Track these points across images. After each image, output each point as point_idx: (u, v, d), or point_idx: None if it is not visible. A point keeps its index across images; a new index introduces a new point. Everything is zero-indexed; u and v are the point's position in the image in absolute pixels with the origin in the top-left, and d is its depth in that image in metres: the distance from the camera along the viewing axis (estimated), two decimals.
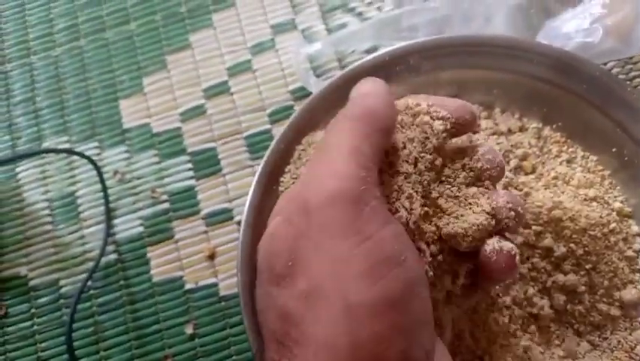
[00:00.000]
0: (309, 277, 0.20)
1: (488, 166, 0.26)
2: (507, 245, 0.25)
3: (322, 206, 0.21)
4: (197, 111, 0.42)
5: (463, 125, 0.26)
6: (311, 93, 0.39)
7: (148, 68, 0.43)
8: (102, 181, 0.39)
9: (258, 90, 0.42)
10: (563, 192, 0.34)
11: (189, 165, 0.40)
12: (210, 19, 0.44)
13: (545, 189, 0.34)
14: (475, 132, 0.28)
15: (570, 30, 0.37)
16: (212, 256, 0.38)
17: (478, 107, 0.37)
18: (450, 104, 0.27)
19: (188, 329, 0.37)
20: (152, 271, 0.38)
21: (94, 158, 0.40)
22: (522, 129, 0.37)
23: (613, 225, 0.33)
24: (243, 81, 0.42)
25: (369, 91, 0.24)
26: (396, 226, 0.22)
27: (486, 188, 0.26)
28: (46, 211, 0.40)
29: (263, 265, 0.23)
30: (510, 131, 0.36)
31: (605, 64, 0.39)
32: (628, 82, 0.40)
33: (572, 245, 0.32)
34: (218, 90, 0.42)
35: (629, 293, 0.32)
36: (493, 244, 0.25)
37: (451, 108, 0.26)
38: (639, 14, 0.38)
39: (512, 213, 0.25)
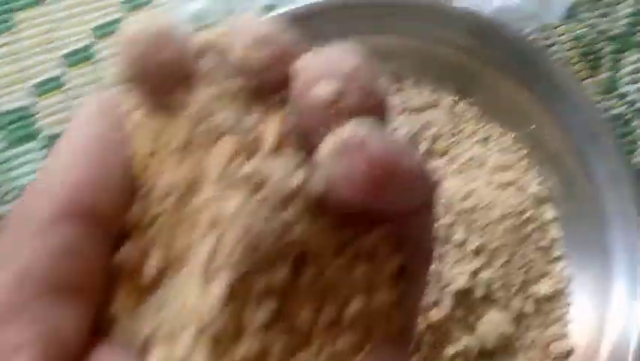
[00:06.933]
0: None
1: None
2: (345, 132, 0.11)
3: None
4: (54, 84, 0.34)
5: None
6: None
7: None
8: None
9: None
10: (476, 178, 0.31)
11: (44, 153, 0.33)
12: None
13: (459, 173, 0.31)
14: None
15: None
16: None
17: (389, 78, 0.33)
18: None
19: None
20: None
21: None
22: (435, 105, 0.33)
23: (528, 213, 0.30)
24: (113, 45, 0.35)
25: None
26: None
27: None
28: None
29: None
30: (422, 108, 0.32)
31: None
32: (545, 48, 0.37)
33: (485, 238, 0.29)
34: (81, 57, 0.35)
35: (543, 287, 0.30)
36: (326, 145, 0.12)
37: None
38: None
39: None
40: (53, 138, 0.33)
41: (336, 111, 0.11)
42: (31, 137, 0.33)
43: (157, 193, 0.12)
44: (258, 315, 0.12)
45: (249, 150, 0.12)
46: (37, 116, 0.33)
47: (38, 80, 0.34)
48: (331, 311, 0.13)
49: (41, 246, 0.11)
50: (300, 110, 0.12)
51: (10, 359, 0.10)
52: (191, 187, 0.12)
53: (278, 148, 0.12)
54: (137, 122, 0.13)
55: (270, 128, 0.12)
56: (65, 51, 0.35)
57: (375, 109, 0.12)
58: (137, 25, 0.12)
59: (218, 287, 0.11)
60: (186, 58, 0.12)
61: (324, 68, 0.11)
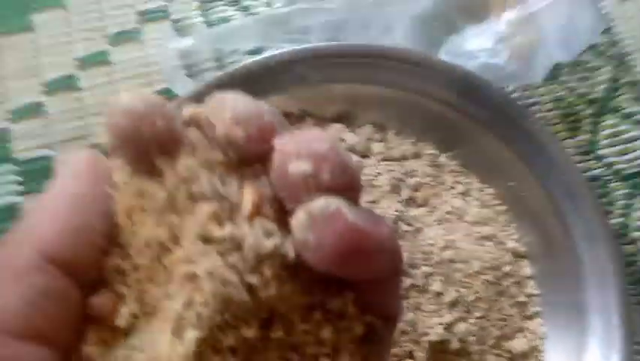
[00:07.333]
0: None
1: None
2: (317, 205, 0.12)
3: None
4: (33, 109, 0.33)
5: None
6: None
7: None
8: None
9: (115, 88, 0.34)
10: (456, 229, 0.30)
11: (15, 177, 0.32)
12: None
13: (438, 224, 0.31)
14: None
15: (473, 48, 0.34)
16: None
17: (372, 128, 0.33)
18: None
19: None
20: None
21: None
22: (417, 155, 0.33)
23: (507, 268, 0.30)
24: (96, 75, 0.35)
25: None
26: None
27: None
28: None
29: None
30: (404, 157, 0.32)
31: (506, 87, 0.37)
32: (527, 107, 0.38)
33: (462, 290, 0.28)
34: (63, 84, 0.34)
35: (518, 344, 0.29)
36: (299, 216, 0.12)
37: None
38: (543, 38, 0.35)
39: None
40: (27, 162, 0.32)
41: (308, 187, 0.12)
42: (2, 160, 0.32)
43: (136, 246, 0.13)
44: None
45: (227, 215, 0.13)
46: (11, 139, 0.32)
47: (17, 104, 0.33)
48: None
49: (13, 293, 0.12)
50: (277, 183, 0.13)
51: None
52: (169, 243, 0.13)
53: (254, 215, 0.13)
54: (122, 181, 0.13)
55: (247, 196, 0.13)
56: (47, 78, 0.34)
57: (345, 186, 0.13)
58: (125, 98, 0.13)
59: (188, 341, 0.12)
60: (175, 128, 0.13)
61: (300, 148, 0.12)
